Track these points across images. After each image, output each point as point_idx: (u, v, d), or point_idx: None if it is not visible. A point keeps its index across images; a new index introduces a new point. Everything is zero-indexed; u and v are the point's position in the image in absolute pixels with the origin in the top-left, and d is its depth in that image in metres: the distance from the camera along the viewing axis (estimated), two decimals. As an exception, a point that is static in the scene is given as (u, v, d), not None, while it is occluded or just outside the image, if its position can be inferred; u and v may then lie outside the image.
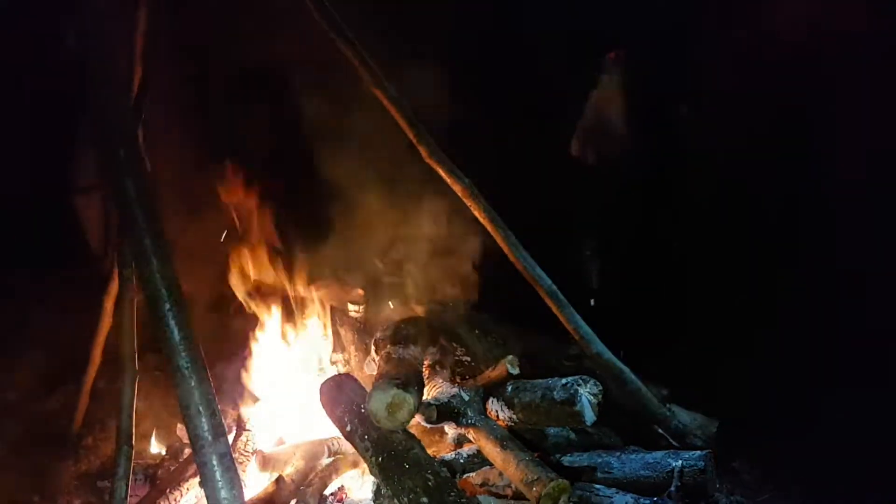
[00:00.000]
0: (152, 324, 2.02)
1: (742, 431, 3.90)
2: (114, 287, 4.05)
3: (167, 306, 2.00)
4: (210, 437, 1.94)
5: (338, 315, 4.72)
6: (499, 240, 3.85)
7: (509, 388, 3.70)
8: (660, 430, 3.88)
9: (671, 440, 3.81)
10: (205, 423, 1.95)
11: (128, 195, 2.10)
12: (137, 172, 2.15)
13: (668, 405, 4.02)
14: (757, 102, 5.00)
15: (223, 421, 2.01)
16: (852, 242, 4.41)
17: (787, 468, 3.69)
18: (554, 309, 3.90)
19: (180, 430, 4.13)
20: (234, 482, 1.94)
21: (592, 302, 5.46)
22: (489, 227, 3.85)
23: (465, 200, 3.82)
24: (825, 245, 4.60)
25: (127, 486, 2.22)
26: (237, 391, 4.09)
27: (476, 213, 3.84)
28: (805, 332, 4.36)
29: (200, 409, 1.95)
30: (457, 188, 3.80)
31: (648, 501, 3.06)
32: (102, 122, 2.30)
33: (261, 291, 4.42)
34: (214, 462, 1.93)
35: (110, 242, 3.94)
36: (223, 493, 1.92)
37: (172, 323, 1.99)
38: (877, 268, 4.29)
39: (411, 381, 3.19)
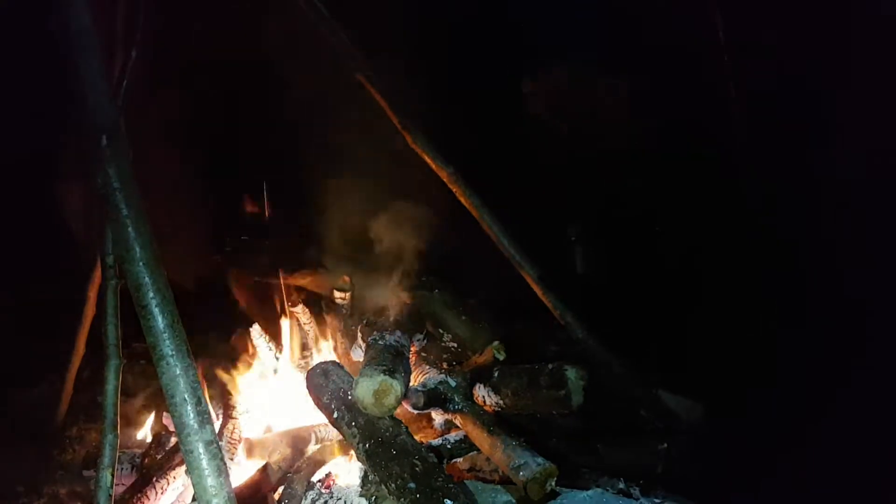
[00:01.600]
0: (137, 312, 2.01)
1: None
2: (97, 276, 4.03)
3: (150, 294, 1.98)
4: (196, 425, 1.93)
5: (324, 302, 4.72)
6: (484, 226, 3.86)
7: (496, 374, 3.70)
8: (645, 414, 3.91)
9: (656, 423, 3.84)
10: (191, 412, 1.94)
11: (111, 183, 2.08)
12: (120, 160, 2.13)
13: (654, 389, 4.04)
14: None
15: (209, 409, 2.00)
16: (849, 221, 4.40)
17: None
18: (540, 294, 3.91)
19: (166, 418, 4.11)
20: (221, 469, 1.94)
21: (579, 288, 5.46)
22: (474, 214, 3.86)
23: (450, 187, 3.82)
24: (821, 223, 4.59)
25: (112, 474, 2.21)
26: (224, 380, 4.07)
27: (461, 200, 3.84)
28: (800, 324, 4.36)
29: (186, 397, 1.95)
30: (442, 174, 3.80)
31: (636, 486, 3.08)
32: (85, 109, 2.27)
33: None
34: (201, 450, 1.92)
35: (93, 231, 3.89)
36: (209, 481, 1.91)
37: (156, 311, 1.98)
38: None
39: (398, 368, 3.18)
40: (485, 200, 3.86)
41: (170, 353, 1.96)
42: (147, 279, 1.98)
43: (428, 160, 3.77)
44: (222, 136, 5.41)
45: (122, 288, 2.42)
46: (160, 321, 1.98)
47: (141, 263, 1.99)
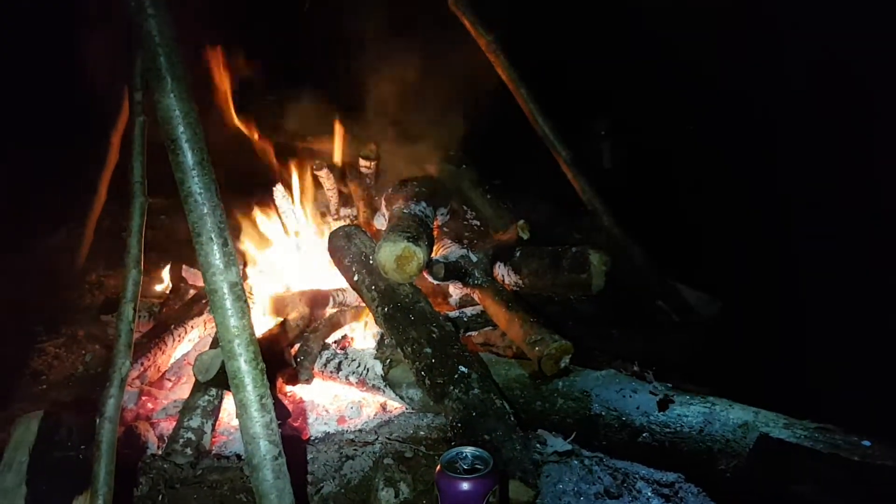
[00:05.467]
0: (165, 147, 1.94)
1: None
2: (121, 121, 3.97)
3: (181, 129, 1.90)
4: (222, 265, 1.89)
5: (348, 169, 4.65)
6: (520, 101, 3.73)
7: (517, 254, 3.67)
8: (663, 305, 3.90)
9: (673, 314, 3.83)
10: (217, 251, 1.90)
11: (144, 10, 1.97)
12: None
13: (673, 282, 4.02)
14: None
15: (235, 251, 1.96)
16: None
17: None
18: (570, 177, 3.82)
19: (185, 270, 4.14)
20: (245, 311, 1.92)
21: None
22: (511, 87, 3.71)
23: (488, 56, 3.66)
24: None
25: (134, 309, 2.21)
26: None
27: (499, 71, 3.68)
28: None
29: (213, 236, 1.90)
30: (481, 42, 3.63)
31: (650, 370, 3.09)
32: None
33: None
34: (225, 290, 1.89)
35: (117, 75, 3.80)
36: (233, 322, 1.89)
37: (186, 146, 1.90)
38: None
39: (422, 236, 3.14)
40: (523, 75, 3.71)
41: (198, 190, 1.90)
42: (177, 112, 1.90)
43: (468, 25, 3.59)
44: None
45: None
46: (189, 157, 1.91)
47: (172, 95, 1.90)
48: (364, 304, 3.36)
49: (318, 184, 4.40)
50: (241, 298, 1.92)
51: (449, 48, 3.93)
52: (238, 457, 2.61)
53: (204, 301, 3.68)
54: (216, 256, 1.90)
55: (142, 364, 3.25)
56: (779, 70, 4.89)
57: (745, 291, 4.00)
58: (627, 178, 5.66)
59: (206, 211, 1.91)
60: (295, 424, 3.00)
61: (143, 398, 3.23)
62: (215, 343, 3.05)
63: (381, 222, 4.00)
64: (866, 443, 2.38)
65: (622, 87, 5.89)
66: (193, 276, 4.10)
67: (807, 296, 3.86)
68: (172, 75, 1.93)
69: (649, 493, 2.16)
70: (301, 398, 3.22)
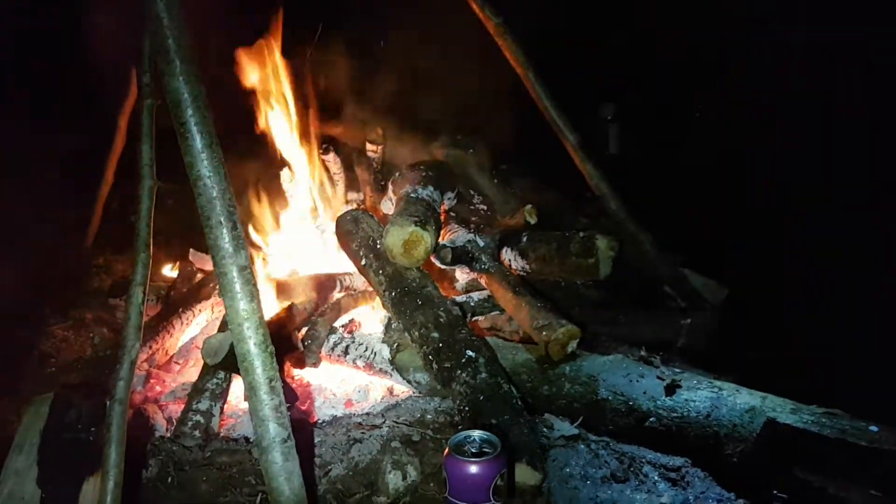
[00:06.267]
0: (175, 130, 1.94)
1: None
2: (129, 104, 3.96)
3: (189, 112, 1.90)
4: (231, 249, 1.90)
5: (355, 154, 4.64)
6: (528, 85, 3.70)
7: (524, 238, 3.67)
8: (670, 291, 3.89)
9: (680, 300, 3.82)
10: (226, 235, 1.90)
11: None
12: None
13: (680, 268, 4.01)
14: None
15: (243, 234, 1.97)
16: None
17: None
18: (577, 162, 3.80)
19: (192, 255, 4.15)
20: (254, 295, 1.92)
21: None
22: (519, 71, 3.69)
23: (496, 39, 3.64)
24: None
25: (144, 292, 2.21)
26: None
27: (506, 54, 3.66)
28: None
29: (222, 220, 1.90)
30: (489, 25, 3.60)
31: (657, 356, 3.09)
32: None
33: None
34: (234, 273, 1.90)
35: (126, 56, 3.80)
36: (242, 305, 1.90)
37: (195, 129, 1.90)
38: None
39: (429, 220, 3.14)
40: (530, 58, 3.68)
41: (207, 174, 1.90)
42: (186, 95, 1.89)
43: (475, 7, 3.56)
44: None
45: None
46: (198, 141, 1.90)
47: (181, 78, 1.90)
48: (372, 289, 3.37)
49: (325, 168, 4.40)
50: (250, 282, 1.93)
51: (456, 32, 3.92)
52: (246, 439, 2.62)
53: (212, 285, 3.70)
54: (225, 240, 1.90)
55: (150, 347, 3.28)
56: (786, 51, 4.84)
57: (752, 278, 3.99)
58: (634, 164, 5.64)
59: (215, 194, 1.91)
60: (303, 408, 3.02)
61: (152, 381, 3.25)
62: (224, 326, 3.07)
63: (388, 207, 4.00)
64: (874, 428, 2.38)
65: (629, 72, 5.87)
66: (201, 260, 4.11)
67: (814, 281, 3.86)
68: (181, 57, 1.92)
69: (656, 477, 2.16)
70: (308, 382, 3.24)
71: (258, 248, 3.87)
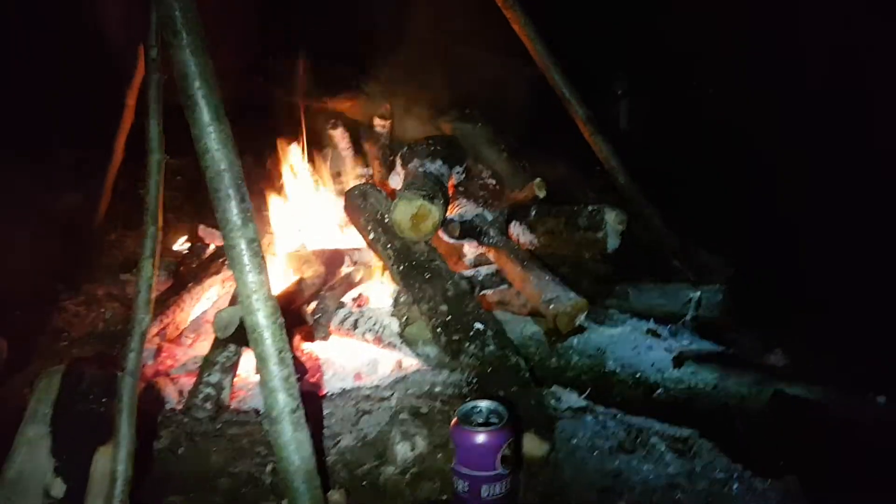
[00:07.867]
0: (182, 103, 1.94)
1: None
2: (136, 81, 3.96)
3: (197, 84, 1.90)
4: (239, 222, 1.91)
5: (363, 129, 4.63)
6: (535, 57, 3.68)
7: (533, 212, 3.67)
8: (679, 265, 3.87)
9: (689, 274, 3.81)
10: (234, 207, 1.90)
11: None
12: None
13: (689, 243, 3.99)
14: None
15: (252, 207, 1.97)
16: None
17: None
18: (587, 135, 3.79)
19: (202, 230, 4.17)
20: (262, 268, 1.93)
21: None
22: (526, 43, 3.66)
23: (503, 11, 3.60)
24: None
25: (154, 265, 2.23)
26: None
27: (514, 27, 3.63)
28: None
29: (230, 192, 1.90)
30: (496, -4, 3.57)
31: (665, 328, 3.10)
32: None
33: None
34: (243, 246, 1.91)
35: (132, 33, 3.79)
36: (250, 277, 1.91)
37: (202, 102, 1.90)
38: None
39: (437, 194, 3.14)
40: (540, 31, 3.65)
41: (215, 146, 1.90)
42: (194, 67, 1.89)
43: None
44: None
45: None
46: (206, 114, 1.90)
47: (188, 51, 1.89)
48: (380, 263, 3.37)
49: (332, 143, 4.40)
50: (259, 255, 1.94)
51: (463, 5, 3.89)
52: (256, 412, 2.65)
53: (221, 260, 3.71)
54: (234, 213, 1.91)
55: (161, 321, 3.30)
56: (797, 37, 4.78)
57: (760, 254, 3.97)
58: (645, 139, 5.60)
59: (223, 167, 1.91)
60: (312, 381, 3.04)
61: (163, 355, 3.28)
62: (234, 300, 3.08)
63: (396, 181, 3.99)
64: (881, 399, 2.39)
65: (641, 47, 5.80)
66: (210, 235, 4.12)
67: (824, 256, 3.83)
68: (188, 30, 1.92)
69: (663, 448, 2.18)
70: (318, 356, 3.25)
71: (266, 224, 3.87)
